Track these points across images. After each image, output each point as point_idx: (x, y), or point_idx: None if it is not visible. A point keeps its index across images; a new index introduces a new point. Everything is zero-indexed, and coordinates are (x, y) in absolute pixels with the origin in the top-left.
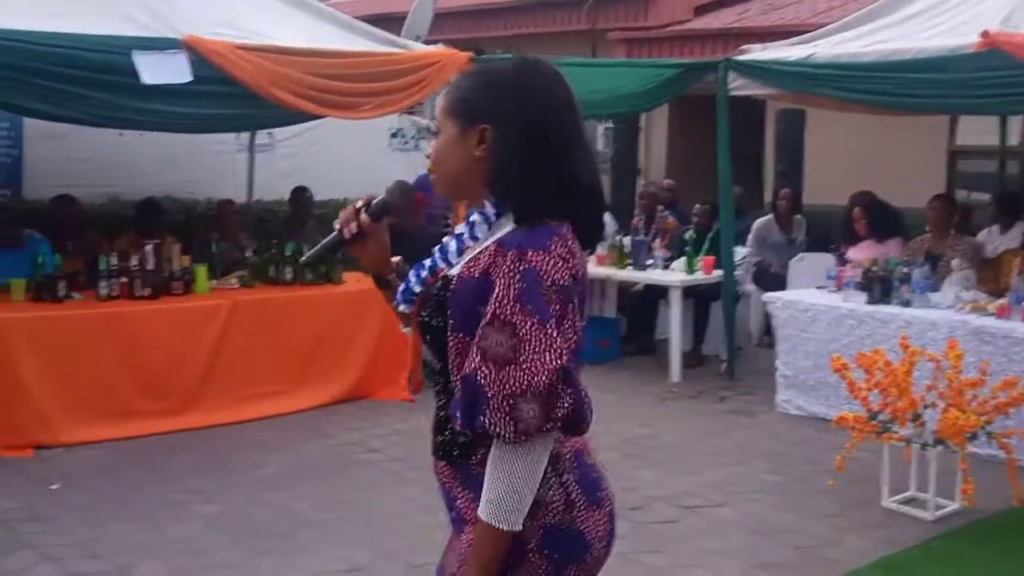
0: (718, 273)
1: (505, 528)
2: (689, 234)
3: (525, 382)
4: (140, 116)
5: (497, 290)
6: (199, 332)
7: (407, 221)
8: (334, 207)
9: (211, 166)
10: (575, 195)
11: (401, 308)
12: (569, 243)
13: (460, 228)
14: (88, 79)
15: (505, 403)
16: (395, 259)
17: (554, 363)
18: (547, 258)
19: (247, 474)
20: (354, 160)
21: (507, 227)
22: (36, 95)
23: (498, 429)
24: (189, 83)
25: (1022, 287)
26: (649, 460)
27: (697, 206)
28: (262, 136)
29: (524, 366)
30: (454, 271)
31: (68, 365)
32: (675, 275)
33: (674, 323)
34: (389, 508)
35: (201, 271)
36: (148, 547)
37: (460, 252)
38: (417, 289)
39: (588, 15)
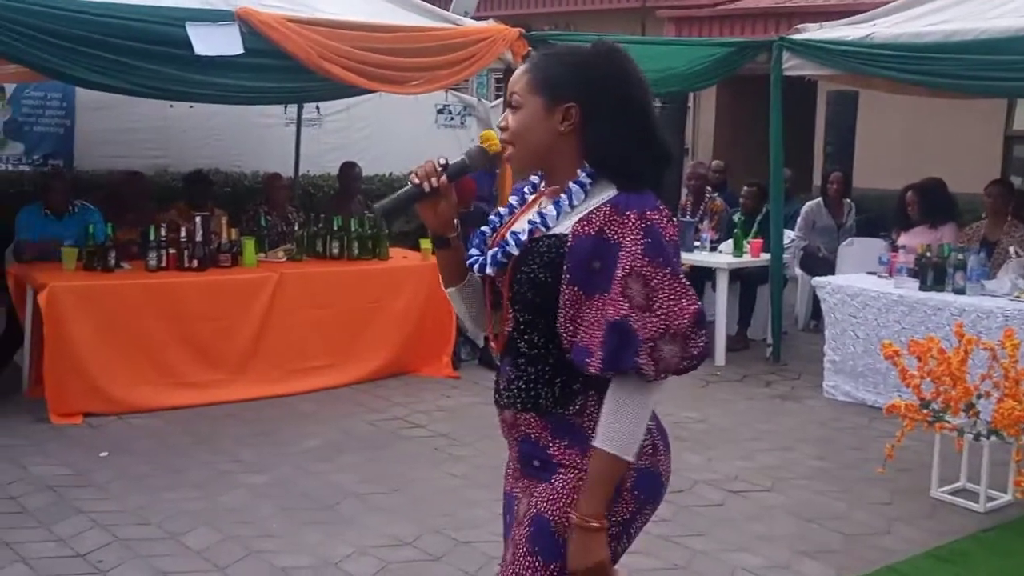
0: (766, 256)
1: (627, 459)
2: (738, 216)
3: (666, 325)
4: (191, 88)
5: (628, 246)
6: (246, 304)
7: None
8: (380, 182)
9: (258, 139)
10: (665, 164)
11: (488, 270)
12: (663, 206)
13: (512, 200)
14: (142, 50)
15: (648, 345)
16: None
17: (692, 306)
18: (661, 217)
19: (294, 446)
20: (400, 136)
21: (608, 192)
22: (90, 65)
23: (645, 369)
24: (240, 55)
25: None
26: (694, 443)
27: (745, 188)
28: (310, 110)
29: (664, 311)
30: (562, 230)
31: (118, 334)
32: (722, 257)
33: (720, 306)
34: (434, 483)
35: (249, 244)
36: (197, 515)
37: (558, 216)
38: (515, 251)
39: None
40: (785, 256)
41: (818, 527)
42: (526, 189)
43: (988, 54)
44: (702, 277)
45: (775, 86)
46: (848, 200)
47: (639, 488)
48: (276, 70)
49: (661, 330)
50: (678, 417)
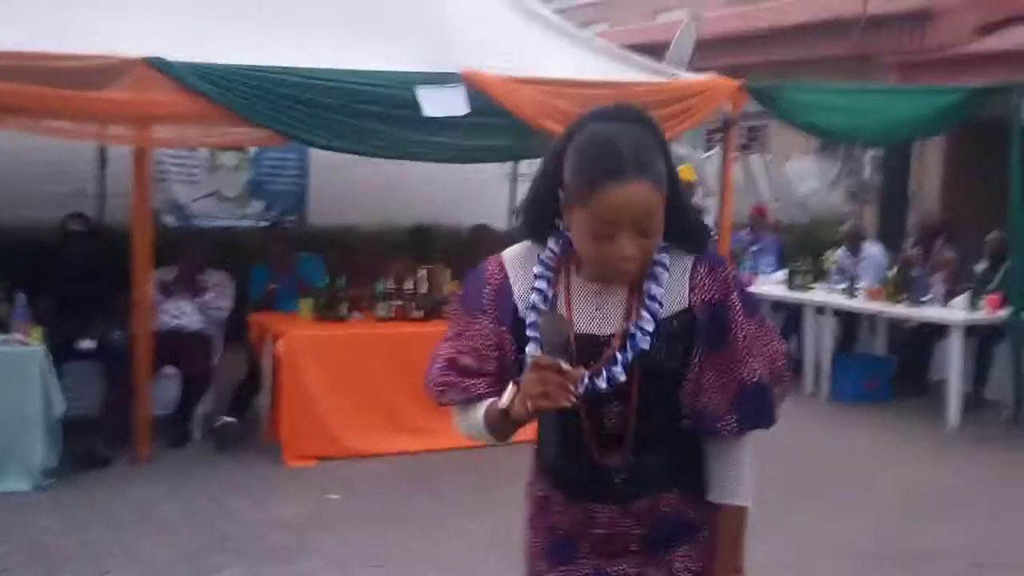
0: (1005, 312)
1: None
2: (981, 265)
3: (770, 370)
4: (420, 148)
5: (734, 303)
6: None
7: None
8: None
9: (475, 194)
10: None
11: (622, 376)
12: None
13: (542, 285)
14: (379, 113)
15: (775, 395)
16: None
17: (782, 346)
18: (735, 267)
19: (513, 495)
20: None
21: (682, 255)
22: (328, 128)
23: (773, 421)
24: (466, 115)
25: None
26: (932, 509)
27: (996, 233)
28: (525, 165)
29: (775, 359)
30: (678, 305)
31: (349, 381)
32: (956, 313)
33: (954, 362)
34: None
35: None
36: (424, 558)
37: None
38: (644, 345)
39: (858, 40)
40: None
41: None
42: (548, 263)
43: None
44: (931, 332)
45: (1017, 134)
46: None
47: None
48: (499, 128)
49: (779, 377)
50: (914, 481)
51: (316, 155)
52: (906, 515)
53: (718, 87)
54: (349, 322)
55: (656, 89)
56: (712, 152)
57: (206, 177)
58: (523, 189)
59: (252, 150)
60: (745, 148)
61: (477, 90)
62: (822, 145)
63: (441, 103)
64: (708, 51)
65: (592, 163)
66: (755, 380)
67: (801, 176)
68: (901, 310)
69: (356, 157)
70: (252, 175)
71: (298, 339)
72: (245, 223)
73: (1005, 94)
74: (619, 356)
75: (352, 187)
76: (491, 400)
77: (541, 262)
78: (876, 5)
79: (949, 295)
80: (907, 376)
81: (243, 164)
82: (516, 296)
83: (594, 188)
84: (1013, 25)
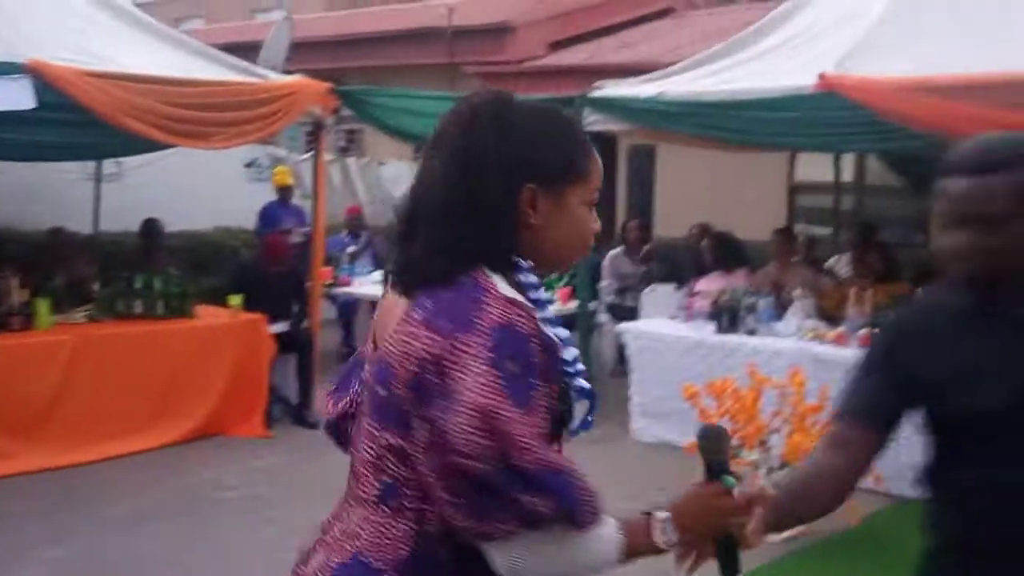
0: (573, 304)
1: None
2: None
3: None
4: None
5: None
6: (41, 369)
7: (267, 268)
8: (186, 238)
9: (55, 196)
10: None
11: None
12: None
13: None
14: None
15: None
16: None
17: None
18: None
19: (95, 516)
20: (207, 190)
21: None
22: None
23: None
24: (33, 110)
25: (857, 316)
26: None
27: None
28: (110, 165)
29: None
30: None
31: None
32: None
33: None
34: (248, 547)
35: (43, 305)
36: None
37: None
38: None
39: (446, 49)
40: (592, 304)
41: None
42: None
43: (767, 111)
44: None
45: None
46: (647, 247)
47: None
48: (73, 124)
49: None
50: None
51: None
52: None
53: (307, 89)
54: None
55: (243, 89)
56: (310, 154)
57: None
58: (109, 190)
59: None
60: (344, 151)
61: (47, 84)
62: (417, 149)
63: (2, 96)
64: (306, 53)
65: (575, 133)
66: None
67: (396, 179)
68: None
69: None
70: None
71: None
72: None
73: (570, 104)
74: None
75: None
76: (620, 520)
77: (532, 285)
78: (461, 17)
79: None
80: None
81: None
82: (548, 338)
83: (589, 156)
84: (578, 43)
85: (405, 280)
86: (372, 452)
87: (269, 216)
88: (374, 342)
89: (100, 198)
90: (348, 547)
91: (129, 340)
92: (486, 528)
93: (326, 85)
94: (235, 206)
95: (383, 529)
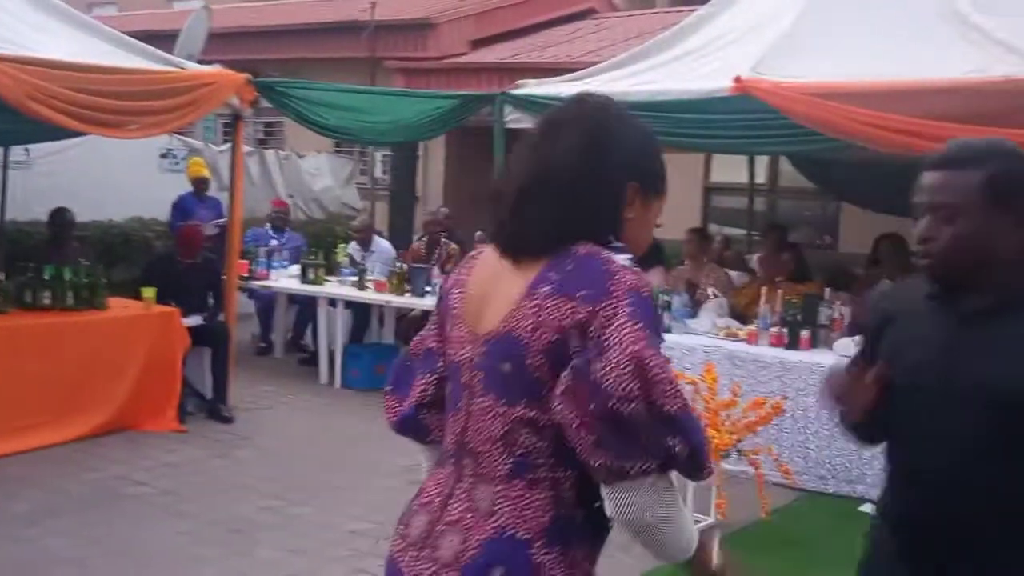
0: None
1: None
2: None
3: None
4: None
5: None
6: None
7: (181, 261)
8: (97, 229)
9: None
10: None
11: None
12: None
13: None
14: None
15: None
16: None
17: None
18: None
19: None
20: (121, 180)
21: None
22: None
23: None
24: None
25: (768, 315)
26: None
27: (479, 234)
28: (17, 152)
29: None
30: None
31: None
32: None
33: None
34: (159, 543)
35: None
36: None
37: None
38: None
39: (367, 43)
40: None
41: None
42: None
43: (686, 112)
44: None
45: (498, 137)
46: None
47: None
48: None
49: None
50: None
51: None
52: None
53: (224, 80)
54: None
55: (158, 78)
56: (227, 146)
57: None
58: (16, 178)
59: None
60: (263, 143)
61: None
62: (337, 143)
63: None
64: (225, 43)
65: (663, 155)
66: None
67: (315, 172)
68: (405, 300)
69: None
70: None
71: None
72: None
73: (491, 101)
74: None
75: None
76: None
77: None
78: (384, 11)
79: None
80: None
81: None
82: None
83: (666, 179)
84: (498, 42)
85: (519, 247)
86: (499, 429)
87: (183, 208)
88: (468, 326)
89: (7, 186)
90: (488, 525)
91: (37, 332)
92: (626, 465)
93: (244, 76)
94: (149, 197)
95: (522, 501)
